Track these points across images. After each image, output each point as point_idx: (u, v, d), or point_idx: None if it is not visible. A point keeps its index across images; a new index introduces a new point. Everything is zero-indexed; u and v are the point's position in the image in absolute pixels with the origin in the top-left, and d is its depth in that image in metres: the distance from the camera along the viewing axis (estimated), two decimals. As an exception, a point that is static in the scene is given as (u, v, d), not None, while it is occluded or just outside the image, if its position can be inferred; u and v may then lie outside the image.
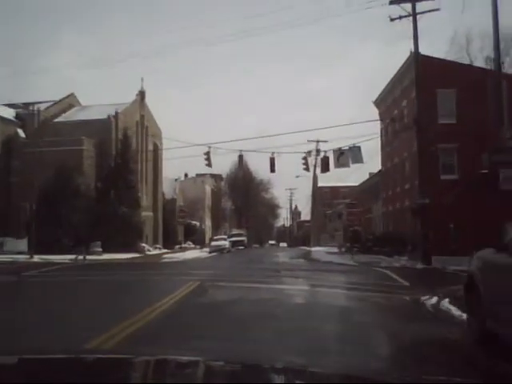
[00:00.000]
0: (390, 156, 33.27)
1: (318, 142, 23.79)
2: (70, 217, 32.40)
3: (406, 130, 27.57)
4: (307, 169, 24.11)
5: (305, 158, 23.78)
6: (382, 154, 36.47)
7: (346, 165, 23.60)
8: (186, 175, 76.74)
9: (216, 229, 73.57)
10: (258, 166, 71.93)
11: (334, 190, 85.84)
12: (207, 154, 23.51)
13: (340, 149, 23.42)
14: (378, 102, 34.81)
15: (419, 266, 23.26)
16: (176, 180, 58.79)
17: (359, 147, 23.58)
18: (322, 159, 23.65)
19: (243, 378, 1.87)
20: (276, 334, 6.97)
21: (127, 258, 30.27)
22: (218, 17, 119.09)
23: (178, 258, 32.77)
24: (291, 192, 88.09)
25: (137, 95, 42.37)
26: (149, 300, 10.09)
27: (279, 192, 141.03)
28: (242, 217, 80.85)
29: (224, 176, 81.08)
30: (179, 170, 67.13)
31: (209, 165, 23.84)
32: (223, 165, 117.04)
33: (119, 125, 37.99)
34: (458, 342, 6.72)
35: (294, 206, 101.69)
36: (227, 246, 42.98)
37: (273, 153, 23.48)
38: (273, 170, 23.71)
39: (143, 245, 39.69)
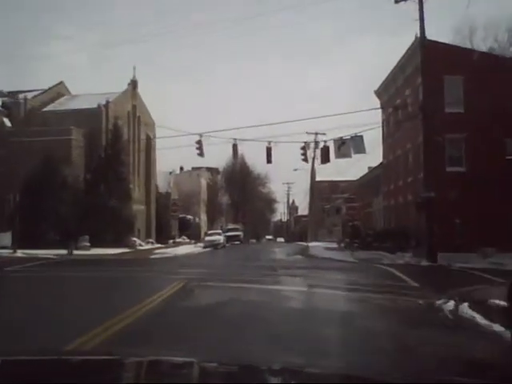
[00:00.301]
0: (393, 148, 31.84)
1: (316, 134, 22.25)
2: (57, 209, 30.89)
3: (410, 120, 26.13)
4: (306, 160, 22.66)
5: (303, 148, 22.32)
6: (383, 146, 35.02)
7: (347, 155, 22.13)
8: (181, 168, 75.18)
9: (212, 223, 72.11)
10: (255, 160, 70.40)
11: (333, 185, 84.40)
12: (199, 142, 22.02)
13: (341, 138, 21.94)
14: (379, 92, 33.33)
15: (424, 263, 21.91)
16: (170, 173, 57.21)
17: (361, 136, 22.13)
18: (321, 149, 22.17)
19: (239, 379, 1.86)
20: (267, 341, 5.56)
21: (116, 254, 28.82)
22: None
23: (170, 253, 31.32)
24: (289, 186, 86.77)
25: (129, 84, 40.75)
26: (118, 306, 8.65)
27: (277, 186, 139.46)
28: (239, 211, 79.39)
29: (221, 170, 79.58)
30: (175, 163, 65.62)
31: (201, 154, 22.36)
32: (220, 158, 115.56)
33: (110, 114, 36.44)
34: (499, 362, 5.31)
35: (291, 201, 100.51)
36: (222, 241, 41.55)
37: (269, 142, 22.05)
38: (269, 160, 22.24)
39: (134, 239, 38.20)
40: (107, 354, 2.42)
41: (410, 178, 28.33)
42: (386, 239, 30.20)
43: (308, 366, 2.45)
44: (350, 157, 22.32)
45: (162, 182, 52.84)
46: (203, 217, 73.20)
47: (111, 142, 34.93)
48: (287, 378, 1.93)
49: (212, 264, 21.06)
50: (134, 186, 40.73)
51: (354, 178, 67.04)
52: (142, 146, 42.89)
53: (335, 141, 22.02)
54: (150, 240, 42.11)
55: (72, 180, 33.03)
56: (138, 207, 40.17)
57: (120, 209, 34.41)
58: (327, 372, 2.10)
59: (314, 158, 58.22)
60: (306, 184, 79.45)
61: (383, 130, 34.31)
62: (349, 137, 22.06)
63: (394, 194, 32.13)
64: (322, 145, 22.13)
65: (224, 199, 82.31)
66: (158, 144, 42.77)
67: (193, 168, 73.91)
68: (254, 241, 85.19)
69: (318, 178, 65.13)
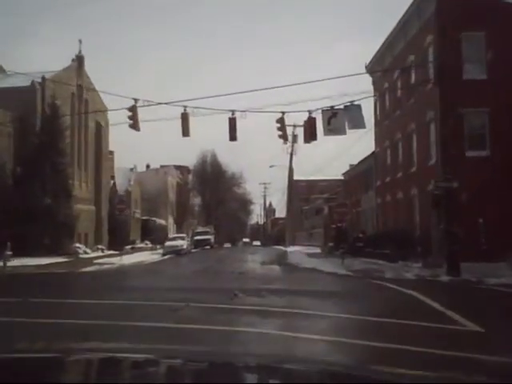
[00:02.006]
0: (389, 132, 26.11)
1: (283, 113, 15.75)
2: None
3: (416, 89, 20.49)
4: (284, 138, 16.64)
5: (280, 122, 16.32)
6: (375, 132, 29.31)
7: (339, 131, 16.22)
8: (147, 166, 68.54)
9: (181, 226, 65.58)
10: (229, 159, 64.48)
11: (312, 184, 79.00)
12: (132, 109, 15.75)
13: (332, 108, 16.04)
14: (371, 67, 27.63)
15: (444, 277, 16.15)
16: (132, 170, 50.64)
17: (359, 106, 16.24)
18: (305, 123, 16.23)
19: (213, 378, 1.72)
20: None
21: (39, 266, 22.34)
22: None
23: (114, 263, 25.03)
24: (265, 186, 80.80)
25: (73, 60, 34.05)
26: None
27: (252, 187, 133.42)
28: (212, 213, 73.03)
29: (192, 168, 73.20)
30: (140, 160, 58.97)
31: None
32: (191, 157, 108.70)
33: (47, 95, 29.79)
34: None
35: (268, 203, 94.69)
36: (185, 247, 35.35)
37: (232, 112, 15.98)
38: (233, 136, 16.21)
39: (78, 246, 31.72)
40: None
41: (414, 168, 22.65)
42: (383, 244, 24.45)
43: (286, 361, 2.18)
44: (344, 133, 16.39)
45: (121, 180, 46.30)
46: (171, 219, 66.55)
47: (47, 127, 28.33)
48: (264, 377, 1.78)
49: (151, 283, 14.89)
50: (79, 182, 34.11)
51: (335, 177, 61.81)
52: (91, 137, 36.25)
53: (324, 112, 16.09)
54: (100, 246, 35.57)
55: (-4, 174, 26.43)
56: (84, 207, 33.55)
57: (57, 209, 27.86)
58: (307, 369, 1.89)
59: (291, 154, 52.46)
60: (283, 183, 73.75)
61: (375, 112, 28.61)
62: (342, 106, 16.14)
63: (390, 188, 26.41)
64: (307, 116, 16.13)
65: (196, 200, 75.95)
66: (118, 136, 36.23)
67: (161, 166, 67.34)
68: (228, 245, 79.04)
69: (295, 178, 59.52)
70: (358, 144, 30.32)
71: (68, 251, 30.03)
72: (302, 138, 16.86)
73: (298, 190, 74.73)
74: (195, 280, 15.55)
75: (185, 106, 15.83)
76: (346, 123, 16.32)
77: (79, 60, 34.51)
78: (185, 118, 15.86)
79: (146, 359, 1.97)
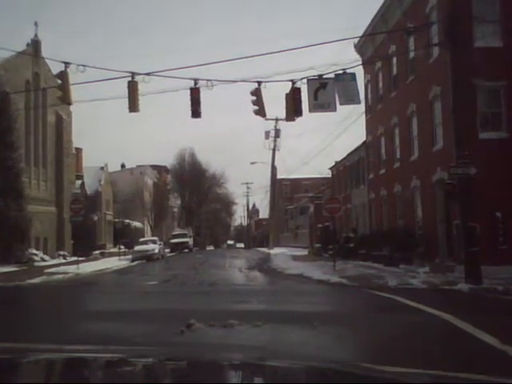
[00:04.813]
0: (384, 117, 23.03)
1: (259, 83, 12.44)
2: None
3: (416, 63, 17.44)
4: (261, 113, 13.32)
5: (256, 93, 12.99)
6: (367, 120, 26.25)
7: (328, 106, 13.03)
8: (122, 166, 64.74)
9: (159, 229, 61.93)
10: (209, 158, 61.07)
11: (296, 183, 75.93)
12: (61, 75, 12.26)
13: (320, 77, 12.86)
14: (360, 45, 24.54)
15: (462, 286, 13.04)
16: (102, 168, 46.90)
17: (353, 75, 13.08)
18: (288, 96, 12.97)
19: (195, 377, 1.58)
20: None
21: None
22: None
23: (68, 272, 21.53)
24: (248, 186, 77.47)
25: (28, 45, 30.29)
26: None
27: (234, 187, 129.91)
28: (192, 215, 69.40)
29: (169, 168, 69.54)
30: (115, 159, 55.22)
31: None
32: (168, 156, 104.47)
33: (-2, 82, 26.10)
34: None
35: (251, 204, 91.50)
36: (156, 251, 31.92)
37: (195, 82, 12.56)
38: (196, 112, 12.79)
39: (34, 252, 28.08)
40: None
41: (415, 156, 19.59)
42: (378, 245, 21.38)
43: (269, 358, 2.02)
44: (334, 109, 13.20)
45: (90, 180, 42.65)
46: (150, 222, 62.83)
47: (-6, 118, 24.69)
48: (247, 375, 1.66)
49: (74, 304, 11.59)
50: (37, 181, 30.43)
51: (320, 175, 58.95)
52: (50, 131, 32.52)
53: (310, 81, 12.89)
54: (62, 253, 31.89)
55: None
56: (42, 208, 29.85)
57: (5, 210, 24.22)
58: (291, 365, 1.80)
59: (274, 148, 49.25)
60: (266, 180, 70.53)
61: (366, 97, 25.54)
62: (332, 75, 12.95)
63: (385, 181, 23.35)
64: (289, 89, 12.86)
65: (175, 202, 72.35)
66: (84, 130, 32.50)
67: (137, 166, 63.60)
68: (211, 247, 75.51)
69: (279, 176, 56.45)
70: (344, 137, 27.27)
71: (21, 258, 26.45)
72: (284, 115, 13.49)
73: (282, 189, 71.71)
74: (145, 297, 12.15)
75: (132, 73, 12.48)
76: (337, 96, 13.14)
77: (35, 45, 30.80)
78: (132, 88, 12.49)
79: None
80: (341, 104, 13.37)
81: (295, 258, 28.36)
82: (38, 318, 9.04)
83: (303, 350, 6.05)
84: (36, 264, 26.72)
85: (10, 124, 25.64)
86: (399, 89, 20.99)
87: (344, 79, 13.13)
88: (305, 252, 34.25)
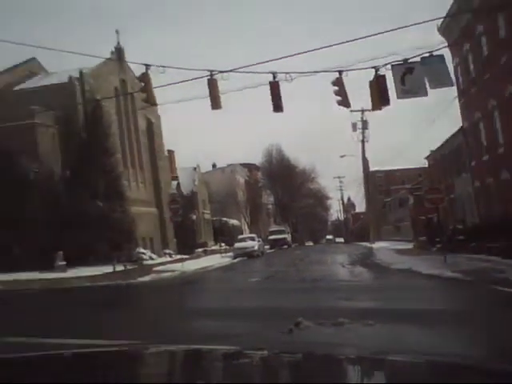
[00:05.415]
0: (479, 101, 21.15)
1: (340, 73, 11.67)
2: (19, 217, 22.67)
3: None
4: (344, 103, 12.67)
5: (338, 83, 12.32)
6: (461, 105, 24.35)
7: (418, 91, 12.17)
8: (214, 165, 66.45)
9: (255, 226, 62.74)
10: (297, 153, 60.66)
11: (390, 175, 73.15)
12: (211, 83, 12.38)
13: (405, 61, 12.00)
14: (444, 27, 22.66)
15: None
16: (195, 169, 48.39)
17: (442, 57, 12.12)
18: (372, 84, 12.23)
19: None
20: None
21: (93, 277, 20.06)
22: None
23: (175, 270, 22.41)
24: (340, 180, 76.00)
25: (112, 53, 31.27)
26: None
27: (326, 182, 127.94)
28: (287, 211, 69.45)
29: (259, 166, 70.20)
30: (205, 159, 56.93)
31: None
32: (256, 153, 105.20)
33: (87, 90, 27.60)
34: None
35: (346, 198, 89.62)
36: (256, 248, 32.24)
37: (274, 75, 12.18)
38: (278, 105, 12.46)
39: (142, 251, 29.56)
40: None
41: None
42: (492, 236, 19.66)
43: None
44: (424, 94, 12.29)
45: (185, 180, 44.22)
46: (247, 219, 63.92)
47: (90, 126, 26.22)
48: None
49: (180, 302, 11.81)
50: (136, 183, 32.01)
51: (415, 166, 56.24)
52: (142, 134, 33.87)
53: (394, 67, 12.07)
54: (168, 251, 33.30)
55: (43, 178, 24.68)
56: (144, 209, 31.33)
57: (110, 212, 25.58)
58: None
59: (363, 140, 47.33)
60: (357, 174, 68.49)
61: (457, 81, 23.58)
62: (419, 60, 12.07)
63: (490, 168, 21.45)
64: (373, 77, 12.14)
65: (268, 198, 72.91)
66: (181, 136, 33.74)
67: (228, 165, 64.96)
68: (310, 243, 75.11)
69: (371, 168, 54.60)
70: (438, 124, 25.61)
71: (131, 258, 27.93)
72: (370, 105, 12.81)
73: (376, 182, 69.50)
74: (248, 294, 12.14)
75: (210, 71, 12.54)
76: (427, 80, 12.25)
77: (119, 52, 32.15)
78: (212, 85, 12.56)
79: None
80: (431, 88, 12.46)
81: (399, 251, 27.15)
82: (151, 316, 9.32)
83: (424, 352, 5.51)
84: (145, 263, 28.14)
85: (105, 130, 27.01)
86: (493, 69, 19.14)
87: (432, 62, 12.22)
88: (409, 246, 32.71)
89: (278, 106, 12.84)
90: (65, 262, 22.68)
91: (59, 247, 22.76)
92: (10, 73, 29.15)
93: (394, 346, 5.92)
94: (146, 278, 19.14)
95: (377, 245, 37.84)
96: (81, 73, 27.55)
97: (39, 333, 7.05)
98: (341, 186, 77.61)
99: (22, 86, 28.57)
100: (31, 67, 30.85)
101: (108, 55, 30.41)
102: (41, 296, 14.06)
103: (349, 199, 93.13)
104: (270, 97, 12.78)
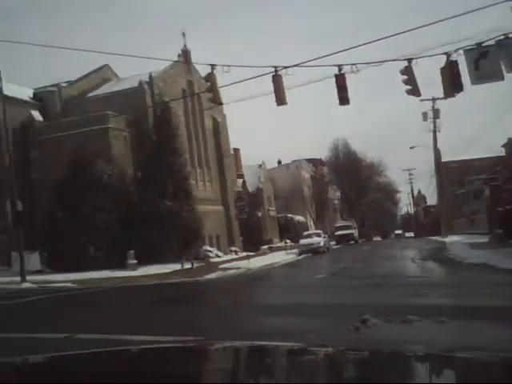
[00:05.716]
0: None
1: (409, 61, 11.20)
2: (94, 219, 23.78)
3: None
4: (414, 92, 12.08)
5: (407, 72, 11.83)
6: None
7: (494, 76, 11.41)
8: (279, 162, 66.48)
9: (322, 222, 62.12)
10: (364, 146, 59.30)
11: (464, 165, 69.48)
12: (276, 80, 12.46)
13: (479, 45, 11.28)
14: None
15: None
16: (260, 166, 48.61)
17: (519, 39, 11.25)
18: (444, 70, 11.60)
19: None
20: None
21: (161, 274, 20.67)
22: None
23: (241, 267, 22.57)
24: (410, 172, 73.29)
25: (179, 56, 32.28)
26: None
27: (395, 174, 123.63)
28: (354, 206, 68.14)
29: (325, 160, 69.28)
30: (270, 157, 57.12)
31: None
32: (321, 148, 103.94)
33: (156, 93, 28.52)
34: None
35: (416, 191, 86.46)
36: (322, 244, 31.85)
37: (339, 68, 11.90)
38: (344, 98, 12.20)
39: (209, 249, 30.12)
40: None
41: None
42: None
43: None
44: (501, 78, 11.50)
45: (250, 178, 44.56)
46: (312, 215, 63.47)
47: (160, 128, 27.05)
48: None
49: (247, 298, 11.80)
50: (203, 182, 32.64)
51: (491, 155, 53.31)
52: (209, 134, 34.50)
53: (467, 52, 11.37)
54: (234, 248, 33.70)
55: (116, 180, 25.75)
56: (210, 208, 31.88)
57: (178, 211, 26.26)
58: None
59: (434, 130, 45.32)
60: (428, 165, 65.85)
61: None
62: (493, 43, 11.30)
63: None
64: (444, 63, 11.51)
65: (334, 194, 71.89)
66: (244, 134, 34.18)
67: (293, 161, 64.73)
68: (378, 238, 73.35)
69: (443, 159, 52.26)
70: None
71: (198, 255, 28.52)
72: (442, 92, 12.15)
73: (449, 173, 66.44)
74: (314, 291, 11.93)
75: (275, 67, 12.41)
76: (503, 64, 11.44)
77: (185, 55, 32.88)
78: (276, 81, 12.44)
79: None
80: (508, 72, 11.60)
81: (473, 245, 25.76)
82: (216, 313, 9.40)
83: (501, 351, 5.10)
84: (211, 260, 28.64)
85: (173, 131, 27.77)
86: None
87: (508, 45, 11.36)
88: (484, 239, 31.00)
89: (344, 99, 12.58)
90: (136, 261, 23.55)
91: (130, 246, 23.68)
92: (84, 80, 30.78)
93: (467, 346, 5.55)
94: (213, 276, 19.41)
95: (449, 239, 36.19)
96: (150, 77, 28.59)
97: (107, 330, 7.28)
98: (410, 179, 74.90)
99: (96, 92, 30.07)
100: (104, 74, 32.37)
101: (175, 58, 31.33)
102: (111, 294, 14.62)
103: (419, 192, 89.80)
104: (336, 90, 12.53)
